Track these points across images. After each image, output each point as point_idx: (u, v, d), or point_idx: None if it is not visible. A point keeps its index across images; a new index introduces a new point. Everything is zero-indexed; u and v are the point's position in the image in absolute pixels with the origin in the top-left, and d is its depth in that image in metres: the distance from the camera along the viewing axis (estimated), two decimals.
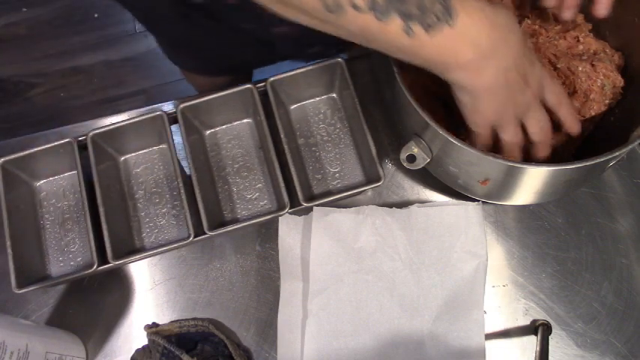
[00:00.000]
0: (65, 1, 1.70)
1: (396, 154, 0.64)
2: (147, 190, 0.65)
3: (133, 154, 0.66)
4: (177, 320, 0.59)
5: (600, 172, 0.57)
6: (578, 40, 0.55)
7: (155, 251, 0.59)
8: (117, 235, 0.59)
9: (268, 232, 0.63)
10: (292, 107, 0.66)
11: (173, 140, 0.61)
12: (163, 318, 0.61)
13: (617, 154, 0.44)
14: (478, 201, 0.59)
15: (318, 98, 0.66)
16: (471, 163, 0.49)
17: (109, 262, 0.57)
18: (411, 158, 0.53)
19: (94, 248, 0.57)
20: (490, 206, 0.61)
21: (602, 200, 0.62)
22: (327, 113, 0.66)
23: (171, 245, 0.58)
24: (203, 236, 0.58)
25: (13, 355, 0.49)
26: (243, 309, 0.60)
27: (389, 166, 0.64)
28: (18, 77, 1.64)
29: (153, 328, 0.58)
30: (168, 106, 0.66)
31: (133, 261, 0.61)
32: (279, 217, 0.60)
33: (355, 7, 0.36)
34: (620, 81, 0.53)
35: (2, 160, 0.60)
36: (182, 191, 0.59)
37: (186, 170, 0.62)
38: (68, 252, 0.63)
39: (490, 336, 0.58)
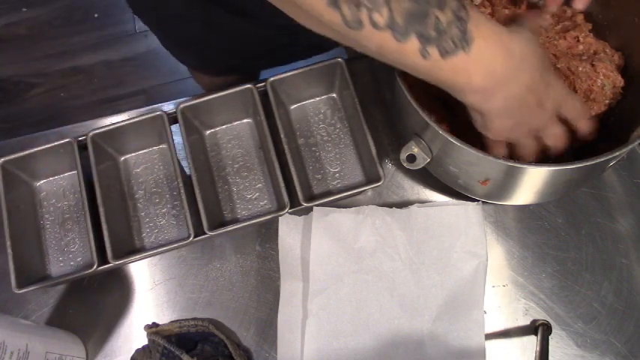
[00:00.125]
0: (65, 1, 1.70)
1: (396, 154, 0.64)
2: (147, 190, 0.65)
3: (133, 154, 0.66)
4: (177, 320, 0.59)
5: (600, 172, 0.57)
6: (578, 40, 0.55)
7: (155, 251, 0.59)
8: (117, 235, 0.59)
9: (268, 232, 0.63)
10: (292, 107, 0.66)
11: (173, 140, 0.61)
12: (163, 318, 0.61)
13: (617, 154, 0.44)
14: (478, 201, 0.59)
15: (318, 98, 0.66)
16: (471, 163, 0.49)
17: (109, 262, 0.57)
18: (411, 158, 0.53)
19: (94, 248, 0.57)
20: (490, 206, 0.61)
21: (602, 200, 0.62)
22: (327, 113, 0.66)
23: (171, 245, 0.58)
24: (203, 236, 0.58)
25: (13, 355, 0.49)
26: (243, 309, 0.60)
27: (389, 166, 0.64)
28: (18, 77, 1.64)
29: (153, 328, 0.58)
30: (168, 106, 0.66)
31: (133, 261, 0.61)
32: (279, 217, 0.60)
33: (374, 25, 0.37)
34: (620, 81, 0.53)
35: (2, 160, 0.60)
36: (182, 191, 0.59)
37: (186, 170, 0.62)
38: (68, 252, 0.63)
39: (490, 336, 0.58)
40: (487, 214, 0.62)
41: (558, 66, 0.54)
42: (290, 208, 0.58)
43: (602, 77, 0.53)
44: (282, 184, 0.58)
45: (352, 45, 0.40)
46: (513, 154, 0.49)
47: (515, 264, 0.60)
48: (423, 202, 0.63)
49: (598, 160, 0.44)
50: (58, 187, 0.65)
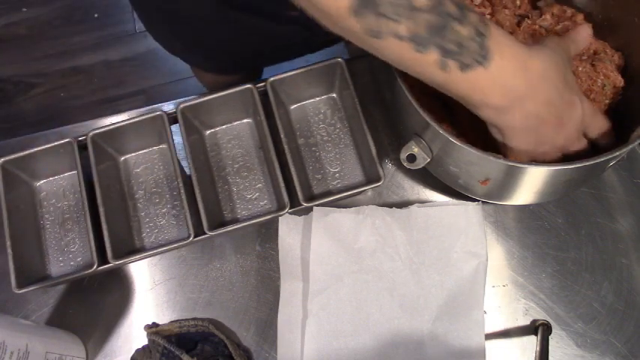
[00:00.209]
0: (65, 1, 1.70)
1: (396, 154, 0.64)
2: (147, 190, 0.65)
3: (133, 154, 0.66)
4: (177, 320, 0.59)
5: (600, 172, 0.57)
6: None
7: (155, 251, 0.59)
8: (117, 235, 0.59)
9: (268, 232, 0.63)
10: (292, 107, 0.66)
11: (173, 140, 0.61)
12: (163, 318, 0.61)
13: (617, 154, 0.44)
14: (478, 201, 0.59)
15: (318, 98, 0.66)
16: (471, 162, 0.49)
17: (109, 262, 0.57)
18: (412, 158, 0.53)
19: (94, 248, 0.57)
20: (490, 206, 0.61)
21: (602, 200, 0.62)
22: (327, 113, 0.66)
23: (171, 245, 0.58)
24: (203, 236, 0.58)
25: (13, 355, 0.49)
26: (243, 309, 0.60)
27: (389, 166, 0.64)
28: (18, 77, 1.64)
29: (153, 328, 0.58)
30: (168, 106, 0.66)
31: (133, 261, 0.61)
32: (279, 217, 0.60)
33: (396, 35, 0.37)
34: (620, 81, 0.53)
35: (2, 160, 0.60)
36: (182, 191, 0.59)
37: (186, 170, 0.62)
38: (68, 252, 0.63)
39: (490, 336, 0.58)
40: (487, 214, 0.62)
41: None
42: (290, 208, 0.58)
43: (602, 77, 0.53)
44: (282, 184, 0.58)
45: (371, 51, 0.40)
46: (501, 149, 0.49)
47: (515, 264, 0.60)
48: (423, 202, 0.63)
49: (598, 160, 0.44)
50: (58, 187, 0.65)
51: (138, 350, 0.58)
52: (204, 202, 0.58)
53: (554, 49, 0.44)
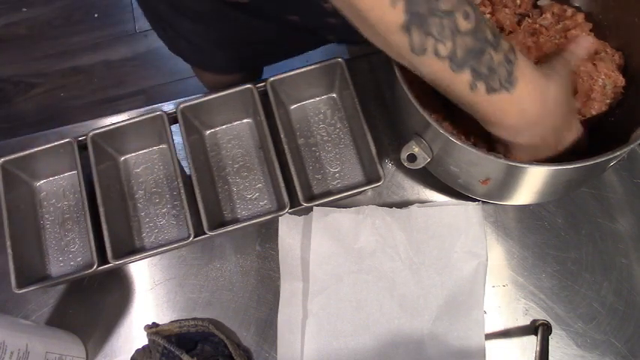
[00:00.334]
0: (65, 1, 1.70)
1: (396, 154, 0.64)
2: (147, 190, 0.65)
3: (133, 154, 0.66)
4: (177, 320, 0.59)
5: (600, 172, 0.57)
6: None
7: (155, 251, 0.59)
8: (117, 235, 0.59)
9: (268, 232, 0.63)
10: (292, 107, 0.66)
11: (173, 140, 0.61)
12: (163, 318, 0.61)
13: (617, 153, 0.44)
14: (478, 201, 0.59)
15: (318, 98, 0.66)
16: (472, 162, 0.49)
17: (109, 262, 0.57)
18: (412, 158, 0.53)
19: (94, 248, 0.57)
20: (490, 206, 0.61)
21: (602, 200, 0.62)
22: (327, 113, 0.66)
23: (171, 245, 0.58)
24: (203, 236, 0.58)
25: (13, 355, 0.49)
26: (243, 309, 0.60)
27: (389, 166, 0.64)
28: (18, 77, 1.64)
29: (153, 328, 0.58)
30: (168, 106, 0.66)
31: (133, 261, 0.61)
32: (279, 217, 0.60)
33: (436, 53, 0.39)
34: (621, 80, 0.53)
35: (2, 160, 0.60)
36: (182, 191, 0.59)
37: (186, 170, 0.62)
38: (68, 252, 0.63)
39: (490, 336, 0.58)
40: (487, 214, 0.62)
41: None
42: (290, 208, 0.58)
43: (603, 77, 0.53)
44: (282, 184, 0.58)
45: (403, 63, 0.42)
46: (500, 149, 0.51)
47: (515, 264, 0.60)
48: (423, 202, 0.63)
49: (598, 160, 0.44)
50: (58, 187, 0.65)
51: (138, 350, 0.58)
52: (204, 202, 0.58)
53: (563, 74, 0.47)
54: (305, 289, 0.58)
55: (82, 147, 0.61)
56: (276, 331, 0.58)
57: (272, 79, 0.62)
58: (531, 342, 0.57)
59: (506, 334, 0.58)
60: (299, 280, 0.59)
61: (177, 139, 0.62)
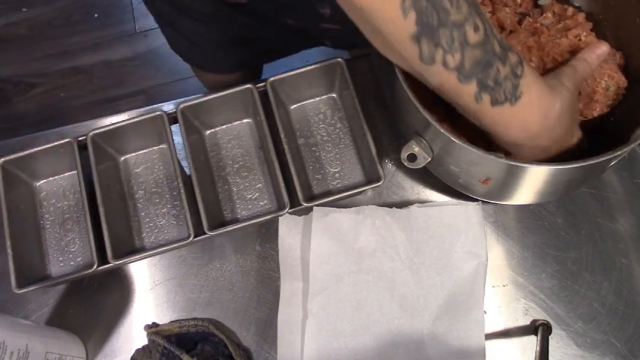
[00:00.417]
0: (65, 1, 1.70)
1: (396, 154, 0.64)
2: (147, 190, 0.65)
3: (133, 154, 0.66)
4: (177, 320, 0.59)
5: (601, 172, 0.57)
6: (580, 39, 0.55)
7: (155, 251, 0.59)
8: (117, 235, 0.59)
9: (268, 232, 0.63)
10: (292, 107, 0.66)
11: (173, 140, 0.61)
12: (163, 318, 0.61)
13: (617, 153, 0.44)
14: (478, 201, 0.59)
15: (318, 98, 0.66)
16: (472, 162, 0.49)
17: (109, 262, 0.57)
18: (412, 157, 0.53)
19: (94, 248, 0.57)
20: (490, 206, 0.61)
21: (602, 200, 0.62)
22: (327, 113, 0.66)
23: (171, 245, 0.58)
24: (203, 236, 0.58)
25: (13, 355, 0.49)
26: (243, 309, 0.60)
27: (389, 166, 0.64)
28: (18, 77, 1.64)
29: (153, 328, 0.58)
30: (168, 106, 0.66)
31: (133, 261, 0.61)
32: (279, 217, 0.60)
33: (445, 64, 0.40)
34: (624, 82, 0.53)
35: (2, 160, 0.60)
36: (182, 191, 0.59)
37: (186, 170, 0.62)
38: (68, 252, 0.63)
39: (490, 336, 0.58)
40: (487, 214, 0.62)
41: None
42: (290, 208, 0.58)
43: (606, 78, 0.53)
44: (282, 184, 0.58)
45: (410, 71, 0.43)
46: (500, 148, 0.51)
47: (515, 264, 0.60)
48: (423, 202, 0.63)
49: (598, 160, 0.44)
50: (58, 187, 0.65)
51: (138, 350, 0.58)
52: (204, 202, 0.58)
53: (571, 88, 0.47)
54: (305, 289, 0.58)
55: (82, 147, 0.61)
56: (276, 331, 0.58)
57: (272, 79, 0.62)
58: (531, 342, 0.57)
59: (506, 334, 0.58)
60: (299, 280, 0.59)
61: (177, 139, 0.62)
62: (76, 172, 0.62)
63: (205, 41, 0.78)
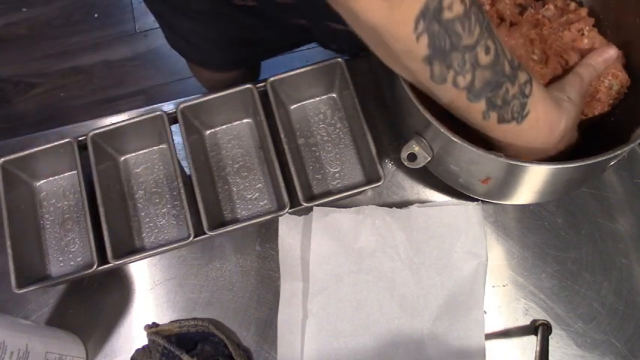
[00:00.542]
0: (65, 1, 1.70)
1: (396, 154, 0.64)
2: (147, 190, 0.65)
3: (133, 154, 0.66)
4: (177, 320, 0.59)
5: (601, 171, 0.57)
6: (583, 34, 0.54)
7: (155, 251, 0.59)
8: (117, 235, 0.59)
9: (268, 232, 0.63)
10: (292, 107, 0.66)
11: (173, 140, 0.61)
12: (163, 318, 0.61)
13: (617, 153, 0.44)
14: (478, 201, 0.59)
15: (318, 98, 0.66)
16: (472, 161, 0.49)
17: (109, 262, 0.57)
18: (412, 157, 0.53)
19: (94, 248, 0.57)
20: (490, 206, 0.61)
21: (602, 200, 0.62)
22: (327, 113, 0.66)
23: (171, 245, 0.58)
24: (203, 236, 0.58)
25: (13, 355, 0.49)
26: (243, 309, 0.60)
27: (389, 166, 0.64)
28: (18, 77, 1.64)
29: (153, 328, 0.58)
30: (168, 106, 0.66)
31: (133, 261, 0.61)
32: (279, 217, 0.60)
33: (455, 84, 0.40)
34: (627, 80, 0.53)
35: (2, 160, 0.60)
36: (182, 191, 0.59)
37: (186, 170, 0.62)
38: (68, 252, 0.63)
39: (490, 336, 0.58)
40: (487, 214, 0.62)
41: (570, 64, 0.54)
42: (290, 208, 0.58)
43: (610, 77, 0.52)
44: (282, 184, 0.58)
45: (419, 87, 0.43)
46: (498, 147, 0.51)
47: (515, 264, 0.60)
48: (423, 202, 0.63)
49: (598, 160, 0.44)
50: (58, 187, 0.65)
51: (138, 350, 0.58)
52: (204, 202, 0.58)
53: (577, 102, 0.48)
54: (305, 289, 0.58)
55: (82, 147, 0.61)
56: (276, 331, 0.58)
57: (272, 79, 0.62)
58: (531, 342, 0.57)
59: (506, 334, 0.58)
60: (299, 280, 0.59)
61: (177, 139, 0.62)
62: (76, 172, 0.62)
63: (203, 40, 0.78)
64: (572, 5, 0.56)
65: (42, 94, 1.62)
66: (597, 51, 0.53)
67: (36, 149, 0.61)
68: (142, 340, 0.59)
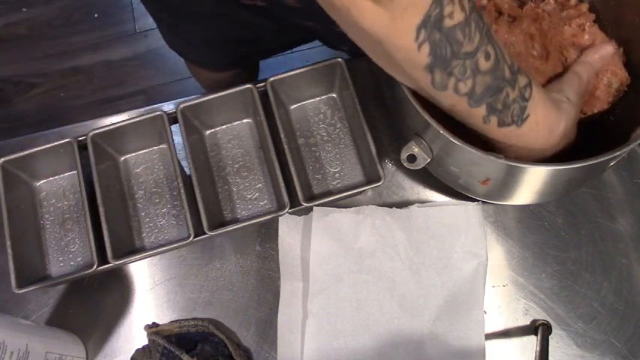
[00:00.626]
0: (65, 1, 1.70)
1: (396, 154, 0.64)
2: (147, 190, 0.65)
3: (133, 154, 0.66)
4: (177, 320, 0.59)
5: (601, 171, 0.57)
6: (584, 29, 0.54)
7: (155, 251, 0.59)
8: (117, 235, 0.59)
9: (268, 232, 0.63)
10: (292, 107, 0.66)
11: (173, 140, 0.61)
12: (163, 318, 0.61)
13: (617, 153, 0.44)
14: (478, 201, 0.59)
15: (318, 98, 0.66)
16: (472, 162, 0.49)
17: (109, 262, 0.57)
18: (412, 158, 0.53)
19: (94, 248, 0.57)
20: (490, 206, 0.61)
21: (602, 200, 0.62)
22: (327, 113, 0.66)
23: (171, 245, 0.58)
24: (203, 236, 0.58)
25: (13, 355, 0.49)
26: (243, 309, 0.60)
27: (389, 166, 0.64)
28: (18, 77, 1.64)
29: (153, 328, 0.58)
30: (168, 106, 0.66)
31: (133, 261, 0.61)
32: (279, 217, 0.60)
33: (456, 90, 0.40)
34: (627, 78, 0.52)
35: (2, 160, 0.60)
36: (182, 191, 0.59)
37: (186, 170, 0.62)
38: (68, 252, 0.63)
39: (490, 336, 0.58)
40: (487, 214, 0.62)
41: (568, 61, 0.53)
42: (290, 208, 0.58)
43: (609, 75, 0.52)
44: (282, 184, 0.58)
45: (422, 93, 0.44)
46: (498, 148, 0.51)
47: (515, 264, 0.60)
48: (423, 202, 0.63)
49: (598, 160, 0.44)
50: (58, 187, 0.65)
51: (138, 350, 0.58)
52: (204, 202, 0.58)
53: (576, 102, 0.48)
54: (305, 289, 0.58)
55: (82, 147, 0.61)
56: (276, 331, 0.58)
57: (272, 79, 0.62)
58: (531, 342, 0.57)
59: (506, 334, 0.58)
60: (299, 280, 0.59)
61: (177, 139, 0.62)
62: (76, 172, 0.62)
63: (201, 41, 0.78)
64: (573, 0, 0.55)
65: (42, 94, 1.62)
66: (594, 48, 0.53)
67: (36, 149, 0.61)
68: (142, 340, 0.59)
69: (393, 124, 0.65)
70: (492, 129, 0.44)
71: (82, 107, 1.59)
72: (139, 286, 0.62)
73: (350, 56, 0.63)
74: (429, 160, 0.53)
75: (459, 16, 0.37)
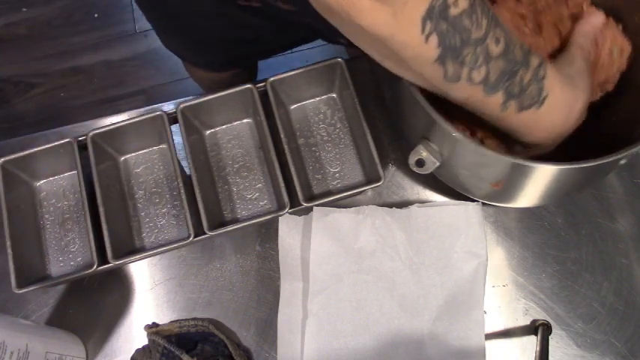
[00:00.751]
0: (65, 1, 1.70)
1: (396, 154, 0.64)
2: (147, 190, 0.65)
3: (133, 154, 0.66)
4: (177, 320, 0.59)
5: (610, 170, 0.56)
6: (582, 9, 0.53)
7: (155, 251, 0.59)
8: (117, 235, 0.59)
9: (268, 232, 0.63)
10: (292, 107, 0.66)
11: (173, 140, 0.61)
12: (163, 318, 0.61)
13: (630, 152, 0.43)
14: (478, 201, 0.59)
15: (318, 98, 0.66)
16: (484, 165, 0.48)
17: (109, 262, 0.57)
18: (420, 163, 0.52)
19: (94, 248, 0.57)
20: (490, 206, 0.61)
21: (602, 200, 0.62)
22: (327, 113, 0.66)
23: (171, 245, 0.58)
24: (203, 236, 0.58)
25: (13, 355, 0.49)
26: (243, 309, 0.60)
27: (389, 166, 0.64)
28: (18, 77, 1.64)
29: (153, 328, 0.58)
30: (168, 106, 0.66)
31: (133, 261, 0.61)
32: (279, 217, 0.60)
33: (470, 79, 0.40)
34: (627, 45, 0.52)
35: (2, 160, 0.60)
36: (182, 191, 0.59)
37: (186, 170, 0.62)
38: (68, 252, 0.63)
39: (490, 336, 0.58)
40: (487, 214, 0.62)
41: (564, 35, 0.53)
42: (290, 208, 0.58)
43: (609, 43, 0.51)
44: (282, 184, 0.58)
45: (434, 90, 0.42)
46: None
47: (515, 264, 0.60)
48: (423, 202, 0.63)
49: (609, 160, 0.43)
50: (58, 187, 0.65)
51: (138, 350, 0.58)
52: (204, 202, 0.58)
53: (586, 76, 0.47)
54: (305, 289, 0.58)
55: (82, 147, 0.61)
56: (276, 331, 0.58)
57: (272, 79, 0.62)
58: (531, 342, 0.57)
59: (506, 334, 0.58)
60: (299, 280, 0.59)
61: (177, 139, 0.62)
62: (76, 172, 0.62)
63: (199, 41, 0.78)
64: None
65: (42, 94, 1.62)
66: (583, 19, 0.52)
67: (36, 149, 0.61)
68: (142, 340, 0.59)
69: (393, 124, 0.65)
70: (511, 116, 0.43)
71: (82, 107, 1.59)
72: (139, 286, 0.62)
73: (348, 49, 0.63)
74: (438, 164, 0.51)
75: (463, 3, 0.36)
